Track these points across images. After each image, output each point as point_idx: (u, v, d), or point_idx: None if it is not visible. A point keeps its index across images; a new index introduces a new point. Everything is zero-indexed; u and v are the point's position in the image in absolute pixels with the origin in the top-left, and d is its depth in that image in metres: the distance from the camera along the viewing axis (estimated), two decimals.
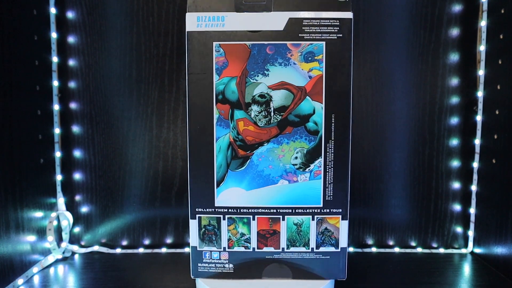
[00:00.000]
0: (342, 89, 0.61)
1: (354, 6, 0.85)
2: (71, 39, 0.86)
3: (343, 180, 0.63)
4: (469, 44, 0.85)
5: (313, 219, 0.64)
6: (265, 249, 0.65)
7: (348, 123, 0.62)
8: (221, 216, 0.65)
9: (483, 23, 0.83)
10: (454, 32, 0.85)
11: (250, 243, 0.65)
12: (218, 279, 0.66)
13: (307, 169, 0.63)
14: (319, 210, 0.63)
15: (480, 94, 0.84)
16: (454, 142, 0.87)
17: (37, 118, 0.80)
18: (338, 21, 0.60)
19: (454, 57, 0.86)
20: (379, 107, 0.87)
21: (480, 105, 0.84)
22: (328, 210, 0.63)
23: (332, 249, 0.65)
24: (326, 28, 0.60)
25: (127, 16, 0.85)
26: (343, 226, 0.64)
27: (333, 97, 0.61)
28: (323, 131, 0.62)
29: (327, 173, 0.62)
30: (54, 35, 0.84)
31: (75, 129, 0.87)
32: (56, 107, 0.85)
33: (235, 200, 0.64)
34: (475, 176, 0.86)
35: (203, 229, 0.65)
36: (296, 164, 0.63)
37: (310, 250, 0.65)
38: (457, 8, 0.85)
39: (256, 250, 0.65)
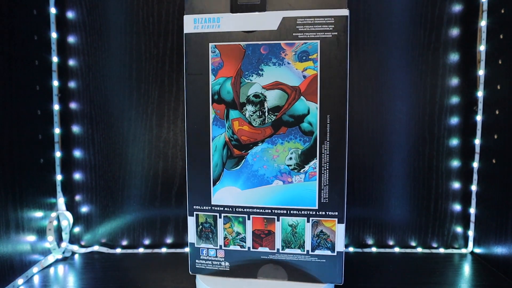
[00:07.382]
0: (338, 89, 0.60)
1: (354, 6, 0.85)
2: (71, 39, 0.86)
3: (339, 182, 0.62)
4: (469, 44, 0.85)
5: (308, 221, 0.63)
6: (260, 249, 0.65)
7: (344, 124, 0.60)
8: (217, 214, 0.65)
9: (483, 23, 0.83)
10: (454, 32, 0.85)
11: (245, 242, 0.65)
12: (216, 277, 0.67)
13: (302, 170, 0.62)
14: (314, 212, 0.63)
15: (480, 94, 0.84)
16: (454, 142, 0.86)
17: (37, 118, 0.80)
18: (332, 18, 0.59)
19: (454, 57, 0.85)
20: (379, 107, 0.87)
21: (480, 105, 0.84)
22: (323, 213, 0.63)
23: (328, 252, 0.64)
24: (320, 26, 0.59)
25: (127, 16, 0.86)
26: (340, 230, 0.63)
27: (328, 97, 0.60)
28: (317, 132, 0.61)
29: (322, 174, 0.62)
30: (54, 35, 0.85)
31: (75, 129, 0.88)
32: (56, 107, 0.86)
33: (230, 199, 0.64)
34: (475, 176, 0.85)
35: (200, 226, 0.66)
36: (290, 165, 0.62)
37: (305, 252, 0.64)
38: (457, 8, 0.84)
39: (251, 249, 0.65)
